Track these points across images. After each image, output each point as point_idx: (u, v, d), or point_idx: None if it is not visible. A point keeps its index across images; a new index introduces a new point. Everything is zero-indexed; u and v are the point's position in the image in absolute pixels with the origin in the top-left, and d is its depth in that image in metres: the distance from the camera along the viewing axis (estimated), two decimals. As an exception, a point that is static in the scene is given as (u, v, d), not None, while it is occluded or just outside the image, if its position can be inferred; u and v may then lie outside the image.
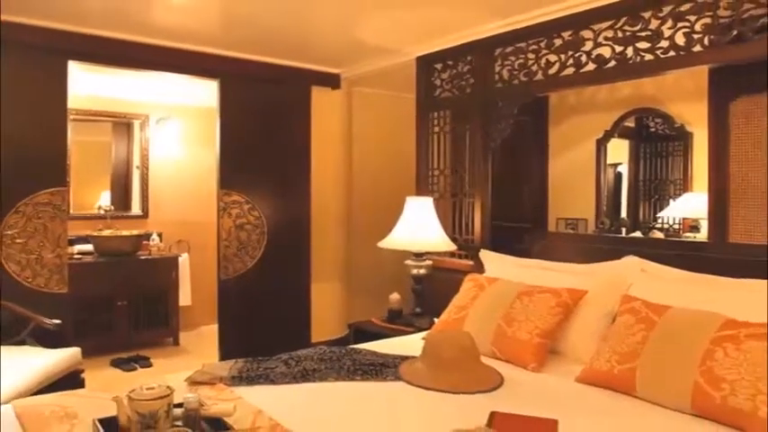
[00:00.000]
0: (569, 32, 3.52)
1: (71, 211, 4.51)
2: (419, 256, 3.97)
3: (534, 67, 3.73)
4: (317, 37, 4.22)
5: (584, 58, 3.45)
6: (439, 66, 4.36)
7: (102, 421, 2.05)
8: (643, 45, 3.20)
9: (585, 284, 3.08)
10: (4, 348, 3.45)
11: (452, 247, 3.94)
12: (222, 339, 4.82)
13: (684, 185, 3.93)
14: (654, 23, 3.15)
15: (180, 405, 2.09)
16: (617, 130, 4.25)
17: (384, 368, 2.78)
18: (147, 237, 5.60)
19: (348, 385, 2.60)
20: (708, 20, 2.95)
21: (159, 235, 5.73)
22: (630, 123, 4.21)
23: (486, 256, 3.80)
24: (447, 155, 4.35)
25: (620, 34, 3.29)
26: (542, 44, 3.68)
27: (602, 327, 2.90)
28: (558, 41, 3.60)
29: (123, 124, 5.79)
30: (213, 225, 5.09)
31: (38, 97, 3.95)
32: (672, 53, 3.08)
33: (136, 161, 5.84)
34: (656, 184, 4.12)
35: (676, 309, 2.60)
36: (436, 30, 4.03)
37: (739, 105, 3.40)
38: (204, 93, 5.26)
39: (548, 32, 3.63)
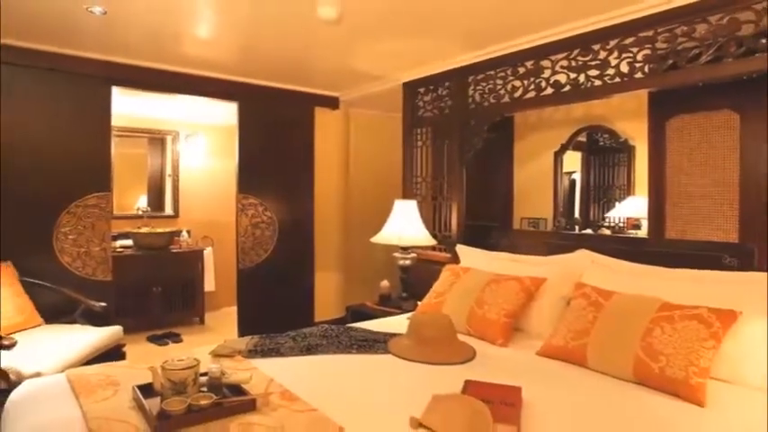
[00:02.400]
0: (531, 62, 3.52)
1: (114, 212, 4.48)
2: (405, 249, 3.95)
3: (502, 91, 3.72)
4: (320, 66, 4.21)
5: (543, 84, 3.45)
6: (422, 90, 4.34)
7: (140, 387, 2.06)
8: (593, 72, 3.19)
9: (545, 273, 3.07)
10: (60, 326, 3.44)
11: (433, 242, 3.92)
12: (240, 319, 4.80)
13: (628, 190, 3.92)
14: (602, 54, 3.15)
15: (205, 374, 2.08)
16: (571, 144, 4.23)
17: (375, 343, 2.76)
18: (178, 233, 5.59)
19: (345, 357, 2.58)
20: (648, 51, 2.95)
21: (188, 232, 5.72)
22: (583, 138, 4.19)
23: (461, 249, 3.78)
24: (428, 165, 4.33)
25: (573, 63, 3.29)
26: (509, 72, 3.68)
27: (559, 309, 2.90)
28: (521, 69, 3.59)
29: (157, 139, 5.75)
30: (233, 223, 5.11)
31: (87, 117, 3.94)
32: (617, 79, 3.07)
33: (168, 170, 5.80)
34: (604, 189, 4.10)
35: (621, 294, 2.61)
36: (420, 59, 4.02)
37: (674, 123, 3.40)
38: (225, 113, 5.25)
39: (513, 62, 3.62)
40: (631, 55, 3.01)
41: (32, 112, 3.77)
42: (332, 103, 5.21)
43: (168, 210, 5.84)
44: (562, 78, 3.33)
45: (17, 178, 3.71)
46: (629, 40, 3.02)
